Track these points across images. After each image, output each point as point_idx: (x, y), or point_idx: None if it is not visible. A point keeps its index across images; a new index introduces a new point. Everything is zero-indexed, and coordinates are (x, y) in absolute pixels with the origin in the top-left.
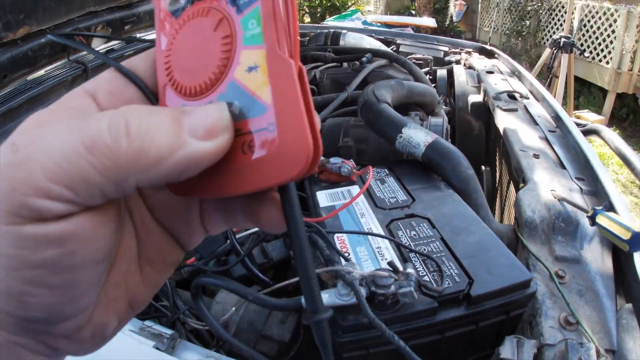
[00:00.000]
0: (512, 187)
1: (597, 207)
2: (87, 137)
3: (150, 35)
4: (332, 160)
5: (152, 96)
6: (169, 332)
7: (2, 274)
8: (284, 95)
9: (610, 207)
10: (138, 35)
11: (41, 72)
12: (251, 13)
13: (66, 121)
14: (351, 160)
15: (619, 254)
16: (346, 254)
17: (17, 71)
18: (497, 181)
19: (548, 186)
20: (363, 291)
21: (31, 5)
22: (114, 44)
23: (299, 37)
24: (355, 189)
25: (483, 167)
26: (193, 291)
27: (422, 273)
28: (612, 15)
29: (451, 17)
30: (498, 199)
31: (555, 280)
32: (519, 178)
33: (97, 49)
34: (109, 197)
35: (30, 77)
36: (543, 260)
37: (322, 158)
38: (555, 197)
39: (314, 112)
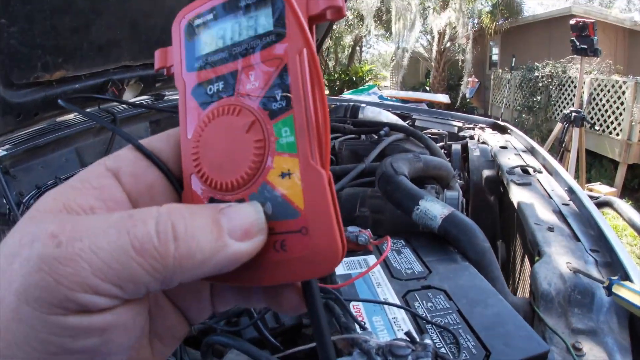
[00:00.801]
0: (526, 261)
1: (612, 277)
2: (135, 240)
3: (177, 95)
4: (350, 229)
5: (177, 184)
6: None
7: (31, 355)
8: (316, 203)
9: (626, 277)
10: (167, 93)
11: (71, 115)
12: (285, 120)
13: (108, 217)
14: (368, 230)
15: (636, 324)
16: (363, 323)
17: (49, 111)
18: (511, 255)
19: (563, 259)
20: None
21: (71, 51)
22: (143, 98)
23: (330, 145)
24: (371, 259)
25: (498, 242)
26: (204, 349)
27: (439, 345)
28: (620, 87)
29: (464, 94)
30: (513, 273)
31: (573, 353)
32: (534, 251)
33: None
34: (151, 291)
35: (59, 119)
36: (560, 333)
37: None
38: (570, 270)
39: (340, 215)
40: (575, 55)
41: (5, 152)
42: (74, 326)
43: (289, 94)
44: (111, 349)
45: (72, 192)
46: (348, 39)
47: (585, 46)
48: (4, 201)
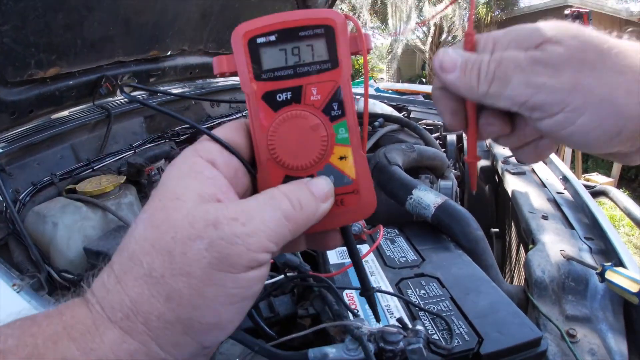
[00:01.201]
0: (521, 249)
1: (606, 264)
2: (286, 213)
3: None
4: None
5: (251, 168)
6: None
7: (220, 310)
8: (363, 174)
9: (620, 264)
10: (161, 87)
11: (66, 112)
12: (341, 123)
13: (258, 200)
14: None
15: (630, 310)
16: (355, 310)
17: (43, 108)
18: (506, 243)
19: (557, 246)
20: (371, 347)
21: (64, 48)
22: (138, 93)
23: (367, 139)
24: (365, 248)
25: (492, 230)
26: None
27: (431, 331)
28: None
29: None
30: (507, 261)
31: (567, 340)
32: (528, 239)
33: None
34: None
35: (54, 116)
36: (554, 320)
37: None
38: (564, 257)
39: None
40: None
41: (0, 150)
42: (252, 278)
43: (343, 106)
44: (257, 293)
45: (195, 183)
46: None
47: None
48: (1, 199)
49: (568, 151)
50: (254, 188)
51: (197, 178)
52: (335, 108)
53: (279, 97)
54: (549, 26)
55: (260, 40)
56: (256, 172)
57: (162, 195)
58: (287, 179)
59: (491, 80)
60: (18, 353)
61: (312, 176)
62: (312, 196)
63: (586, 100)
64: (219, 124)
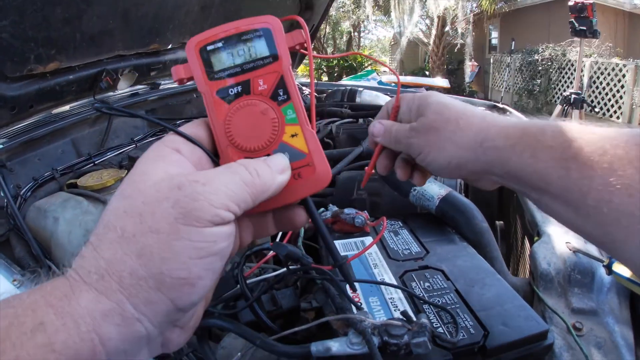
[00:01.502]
0: (526, 241)
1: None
2: (243, 178)
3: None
4: (346, 211)
5: (212, 156)
6: None
7: (189, 263)
8: (314, 147)
9: None
10: (162, 82)
11: (66, 107)
12: (288, 106)
13: (218, 170)
14: (365, 211)
15: (637, 302)
16: (359, 303)
17: (43, 103)
18: (511, 235)
19: (563, 238)
20: (375, 340)
21: (63, 42)
22: (139, 87)
23: (312, 112)
24: (368, 240)
25: (497, 222)
26: (199, 332)
27: (436, 324)
28: (620, 70)
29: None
30: (513, 253)
31: (573, 333)
32: (533, 232)
33: (122, 90)
34: (245, 209)
35: (55, 111)
36: (560, 313)
37: (336, 209)
38: (570, 249)
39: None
40: (574, 38)
41: (1, 146)
42: (216, 233)
43: (287, 91)
44: (227, 253)
45: (161, 163)
46: (346, 25)
47: (584, 27)
48: (2, 194)
49: None
50: None
51: (163, 160)
52: (281, 94)
53: (231, 91)
54: (425, 103)
55: (209, 47)
56: (219, 160)
57: (131, 174)
58: None
59: (395, 141)
60: (0, 323)
61: (269, 155)
62: (268, 167)
63: (431, 148)
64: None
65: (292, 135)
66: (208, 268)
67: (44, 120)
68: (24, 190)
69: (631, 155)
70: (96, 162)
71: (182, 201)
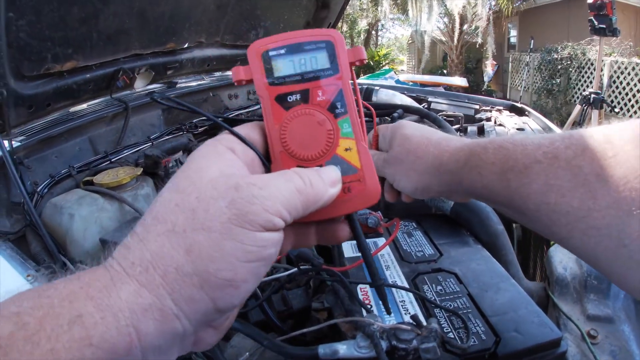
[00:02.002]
0: (543, 246)
1: None
2: (297, 186)
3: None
4: (360, 211)
5: (264, 159)
6: None
7: (236, 265)
8: (366, 163)
9: None
10: (179, 80)
11: (84, 105)
12: (344, 119)
13: (273, 176)
14: (379, 212)
15: None
16: (368, 306)
17: (61, 102)
18: (528, 239)
19: None
20: (383, 344)
21: (80, 41)
22: (155, 86)
23: (363, 129)
24: (381, 241)
25: (514, 225)
26: None
27: (446, 329)
28: None
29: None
30: (528, 257)
31: (587, 341)
32: None
33: (139, 89)
34: (295, 218)
35: (72, 109)
36: (574, 320)
37: None
38: None
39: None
40: (594, 36)
41: (19, 144)
42: (267, 238)
43: (345, 105)
44: (272, 260)
45: (217, 161)
46: (363, 24)
47: (604, 26)
48: (19, 191)
49: None
50: None
51: (218, 158)
52: (339, 107)
53: (289, 98)
54: (393, 136)
55: (272, 53)
56: (270, 165)
57: (186, 169)
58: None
59: (376, 169)
60: (34, 314)
61: (321, 166)
62: (320, 178)
63: (400, 177)
64: (238, 116)
65: (346, 149)
66: (253, 272)
67: (61, 118)
68: (41, 187)
69: (562, 158)
70: (113, 160)
71: (237, 202)
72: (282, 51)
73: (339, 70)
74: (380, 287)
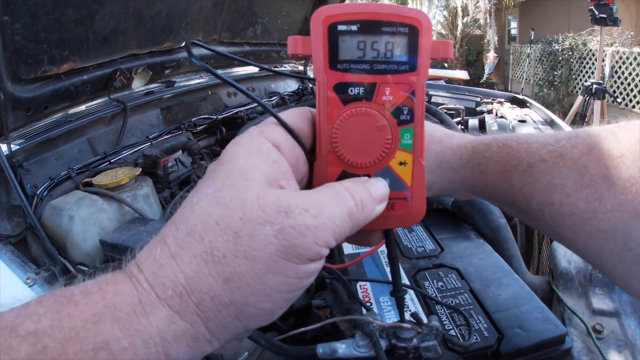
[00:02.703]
0: (546, 238)
1: None
2: (348, 210)
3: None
4: None
5: (310, 158)
6: None
7: (276, 297)
8: (418, 183)
9: None
10: (177, 79)
11: (82, 107)
12: (407, 129)
13: (325, 194)
14: None
15: None
16: (368, 304)
17: (58, 104)
18: (532, 232)
19: None
20: (383, 343)
21: (76, 43)
22: (154, 85)
23: (422, 146)
24: None
25: (516, 218)
26: None
27: (448, 326)
28: None
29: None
30: (532, 251)
31: (593, 336)
32: None
33: (136, 90)
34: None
35: (70, 111)
36: (579, 314)
37: None
38: None
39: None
40: (595, 26)
41: (18, 147)
42: (310, 270)
43: (413, 111)
44: (306, 287)
45: (263, 164)
46: None
47: (605, 15)
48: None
49: None
50: (310, 177)
51: (264, 159)
52: (405, 113)
53: (351, 90)
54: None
55: (341, 27)
56: (314, 162)
57: (230, 172)
58: (344, 174)
59: None
60: (54, 335)
61: (368, 176)
62: (371, 197)
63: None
64: (237, 114)
65: (401, 163)
66: (290, 301)
67: (60, 120)
68: (41, 189)
69: (567, 157)
70: (112, 161)
71: (287, 232)
72: (354, 27)
73: (416, 67)
74: (401, 297)
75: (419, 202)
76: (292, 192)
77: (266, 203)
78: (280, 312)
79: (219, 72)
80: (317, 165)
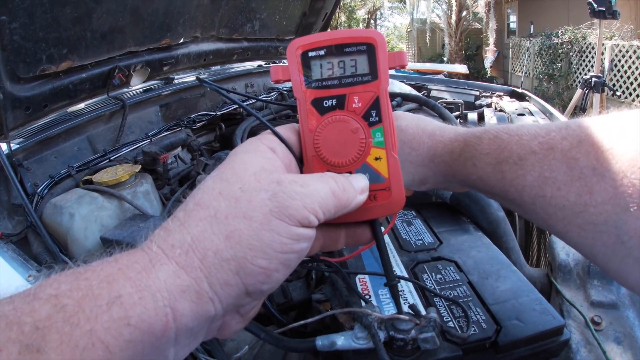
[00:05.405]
0: (545, 231)
1: None
2: (333, 189)
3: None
4: None
5: (299, 162)
6: None
7: (271, 255)
8: (394, 174)
9: None
10: (175, 76)
11: (81, 105)
12: (377, 128)
13: (313, 177)
14: None
15: None
16: (367, 296)
17: (57, 102)
18: (530, 225)
19: None
20: (381, 335)
21: (74, 41)
22: (153, 82)
23: (394, 140)
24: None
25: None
26: None
27: (446, 318)
28: None
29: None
30: (530, 244)
31: (591, 327)
32: None
33: (135, 87)
34: (326, 219)
35: (70, 109)
36: (578, 306)
37: None
38: None
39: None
40: (594, 20)
41: (18, 146)
42: (301, 234)
43: (380, 113)
44: (305, 253)
45: (259, 159)
46: (362, 12)
47: (603, 8)
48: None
49: None
50: None
51: (261, 156)
52: (374, 115)
53: (326, 103)
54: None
55: (311, 53)
56: (302, 167)
57: (230, 161)
58: None
59: None
60: (72, 295)
61: (350, 173)
62: (352, 186)
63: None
64: (235, 110)
65: (376, 159)
66: (285, 263)
67: (59, 119)
68: (41, 188)
69: (557, 149)
70: (112, 158)
71: (279, 196)
72: (322, 52)
73: (377, 77)
74: (394, 286)
75: (398, 190)
76: (289, 174)
77: (261, 177)
78: (276, 277)
79: (218, 70)
80: (306, 169)
